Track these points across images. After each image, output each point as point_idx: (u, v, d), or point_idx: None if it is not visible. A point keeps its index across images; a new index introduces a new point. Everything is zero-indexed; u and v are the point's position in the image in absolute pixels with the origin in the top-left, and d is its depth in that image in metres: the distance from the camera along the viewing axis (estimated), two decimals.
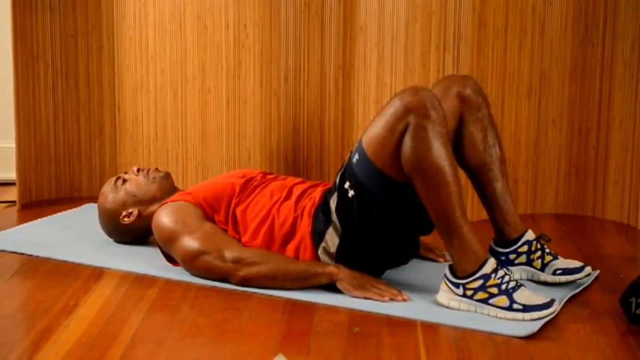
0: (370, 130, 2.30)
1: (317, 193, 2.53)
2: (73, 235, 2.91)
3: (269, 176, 2.70)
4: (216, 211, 2.57)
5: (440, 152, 2.20)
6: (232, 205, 2.58)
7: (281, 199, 2.54)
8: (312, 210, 2.47)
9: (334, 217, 2.39)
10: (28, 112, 3.31)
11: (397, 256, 2.49)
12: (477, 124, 2.51)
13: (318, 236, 2.43)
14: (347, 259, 2.41)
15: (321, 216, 2.43)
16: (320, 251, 2.43)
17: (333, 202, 2.40)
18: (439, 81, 2.61)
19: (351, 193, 2.35)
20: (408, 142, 2.22)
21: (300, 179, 2.68)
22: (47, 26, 3.33)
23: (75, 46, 3.37)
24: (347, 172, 2.36)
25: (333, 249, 2.41)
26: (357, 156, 2.33)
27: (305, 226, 2.46)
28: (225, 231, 2.54)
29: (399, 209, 2.34)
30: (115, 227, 2.79)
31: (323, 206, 2.43)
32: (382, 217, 2.33)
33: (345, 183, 2.36)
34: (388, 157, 2.27)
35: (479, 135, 2.51)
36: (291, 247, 2.47)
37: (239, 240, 2.53)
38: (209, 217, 2.56)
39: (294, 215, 2.49)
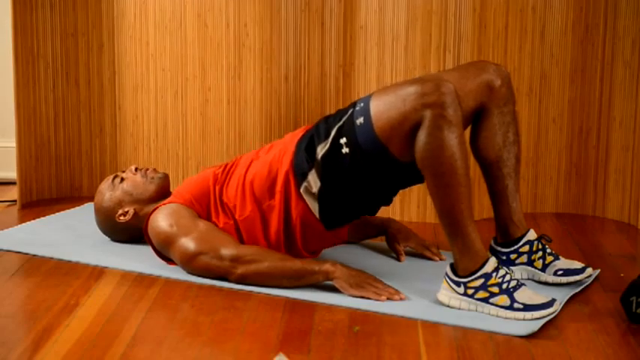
0: (382, 103, 2.30)
1: (285, 140, 2.55)
2: (73, 235, 2.91)
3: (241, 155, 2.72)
4: (206, 203, 2.58)
5: (453, 152, 2.20)
6: (217, 192, 2.58)
7: (250, 163, 2.56)
8: (289, 149, 2.47)
9: (319, 160, 2.40)
10: (28, 111, 3.31)
11: (371, 206, 2.51)
12: (501, 118, 2.47)
13: (300, 175, 2.44)
14: (329, 201, 2.42)
15: (304, 154, 2.43)
16: (302, 190, 2.44)
17: (321, 149, 2.40)
18: (474, 62, 2.58)
19: (345, 150, 2.35)
20: (422, 137, 2.22)
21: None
22: (47, 24, 3.33)
23: (75, 45, 3.37)
24: (346, 129, 2.37)
25: (315, 189, 2.42)
26: (361, 119, 2.33)
27: (284, 166, 2.47)
28: (221, 225, 2.54)
29: (390, 178, 2.37)
30: (111, 225, 2.79)
31: (307, 146, 2.43)
32: (370, 179, 2.36)
33: (341, 137, 2.36)
34: (395, 137, 2.28)
35: (501, 129, 2.48)
36: (278, 196, 2.48)
37: (236, 219, 2.53)
38: (202, 214, 2.56)
39: (269, 163, 2.50)
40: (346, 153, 2.35)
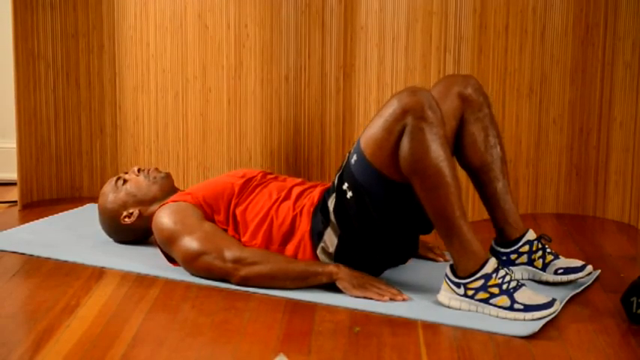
0: (368, 130, 2.31)
1: (315, 193, 2.53)
2: (74, 235, 2.91)
3: (269, 176, 2.70)
4: (216, 211, 2.57)
5: (438, 153, 2.20)
6: (232, 206, 2.58)
7: (280, 199, 2.54)
8: (311, 209, 2.47)
9: (332, 217, 2.39)
10: (28, 112, 3.31)
11: (396, 256, 2.49)
12: (478, 124, 2.51)
13: (316, 236, 2.43)
14: (345, 260, 2.41)
15: (320, 216, 2.43)
16: (319, 251, 2.43)
17: (331, 203, 2.40)
18: (440, 80, 2.61)
19: (349, 194, 2.35)
20: (405, 143, 2.22)
21: (299, 180, 2.68)
22: (48, 25, 3.33)
23: (76, 46, 3.38)
24: (345, 173, 2.37)
25: (331, 249, 2.41)
26: (355, 156, 2.33)
27: (304, 226, 2.46)
28: (226, 231, 2.54)
29: (398, 209, 2.34)
30: (116, 227, 2.79)
31: (322, 206, 2.44)
32: (381, 218, 2.33)
33: (343, 184, 2.36)
34: (386, 157, 2.27)
35: (480, 135, 2.51)
36: (290, 247, 2.48)
37: (239, 240, 2.53)
38: (209, 217, 2.56)
39: (293, 215, 2.49)
40: (351, 197, 2.35)
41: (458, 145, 2.53)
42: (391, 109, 2.25)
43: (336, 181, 2.40)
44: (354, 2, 3.12)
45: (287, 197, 2.55)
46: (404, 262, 2.54)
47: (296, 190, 2.57)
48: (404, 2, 3.02)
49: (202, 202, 2.57)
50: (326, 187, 2.54)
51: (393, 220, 2.35)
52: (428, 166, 2.20)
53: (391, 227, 2.36)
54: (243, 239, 2.53)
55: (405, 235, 2.45)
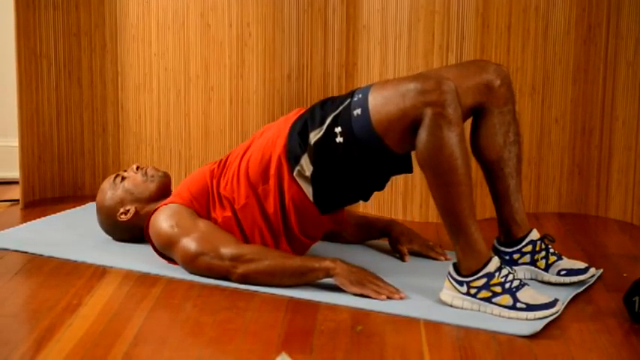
0: (381, 96, 2.30)
1: (277, 124, 2.54)
2: (76, 234, 2.91)
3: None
4: (205, 200, 2.57)
5: (453, 151, 2.20)
6: (214, 187, 2.58)
7: (243, 151, 2.56)
8: (282, 134, 2.47)
9: (312, 145, 2.39)
10: (31, 110, 3.31)
11: (367, 190, 2.50)
12: (501, 118, 2.48)
13: (293, 159, 2.43)
14: (323, 184, 2.42)
15: (297, 138, 2.43)
16: (295, 173, 2.43)
17: (314, 135, 2.40)
18: (474, 60, 2.59)
19: (339, 139, 2.35)
20: (422, 136, 2.22)
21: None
22: (50, 24, 3.33)
23: (78, 44, 3.38)
24: (342, 119, 2.37)
25: (307, 173, 2.41)
26: (358, 110, 2.33)
27: (277, 150, 2.46)
28: (222, 220, 2.54)
29: (383, 168, 2.38)
30: (112, 224, 2.79)
31: (300, 130, 2.43)
32: (362, 169, 2.36)
33: (336, 126, 2.36)
34: (391, 131, 2.28)
35: (501, 129, 2.48)
36: (272, 180, 2.47)
37: (236, 208, 2.53)
38: (202, 213, 2.56)
39: (262, 148, 2.50)
40: (340, 142, 2.35)
41: (477, 136, 2.51)
42: (412, 92, 2.23)
43: (329, 120, 2.39)
44: (357, 1, 3.12)
45: (249, 146, 2.57)
46: (367, 199, 2.54)
47: (257, 136, 2.59)
48: (406, 1, 3.02)
49: (192, 199, 2.57)
50: (289, 117, 2.53)
51: (374, 173, 2.39)
52: (442, 162, 2.20)
53: (369, 176, 2.40)
54: (237, 206, 2.52)
55: (380, 179, 2.48)
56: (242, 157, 2.55)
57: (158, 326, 2.19)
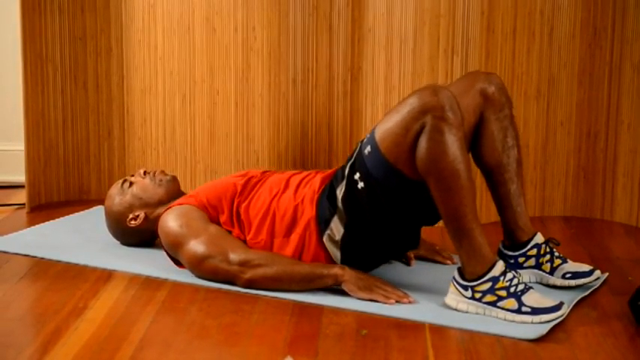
0: (385, 124, 2.29)
1: (316, 180, 2.53)
2: (81, 238, 2.92)
3: (268, 172, 2.70)
4: (220, 211, 2.58)
5: (455, 155, 2.20)
6: (235, 205, 2.58)
7: (280, 192, 2.55)
8: (314, 197, 2.47)
9: (340, 205, 2.39)
10: (36, 115, 3.31)
11: (399, 248, 2.50)
12: (498, 124, 2.49)
13: (323, 223, 2.43)
14: (352, 248, 2.41)
15: (326, 203, 2.42)
16: (325, 238, 2.43)
17: (340, 191, 2.40)
18: (464, 75, 2.60)
19: (360, 184, 2.34)
20: (423, 143, 2.22)
21: (297, 170, 2.69)
22: (56, 28, 3.34)
23: (84, 49, 3.38)
24: (357, 163, 2.36)
25: (337, 237, 2.41)
26: (369, 148, 2.32)
27: (308, 213, 2.46)
28: (231, 232, 2.54)
29: (409, 204, 2.34)
30: (122, 230, 2.80)
31: (328, 194, 2.43)
32: (391, 211, 2.33)
33: (355, 174, 2.36)
34: (401, 153, 2.26)
35: (499, 135, 2.49)
36: (295, 237, 2.47)
37: (244, 239, 2.53)
38: (214, 219, 2.56)
39: (295, 205, 2.49)
40: (362, 187, 2.34)
41: (475, 143, 2.52)
42: (410, 106, 2.23)
43: (347, 171, 2.39)
44: (362, 5, 3.12)
45: (286, 188, 2.56)
46: (407, 250, 2.54)
47: (294, 180, 2.57)
48: (411, 5, 3.02)
49: (206, 204, 2.58)
50: (326, 174, 2.54)
51: (403, 213, 2.35)
52: (444, 168, 2.20)
53: (400, 220, 2.36)
54: (248, 237, 2.53)
55: (412, 227, 2.45)
56: (274, 198, 2.53)
57: (164, 330, 2.20)
